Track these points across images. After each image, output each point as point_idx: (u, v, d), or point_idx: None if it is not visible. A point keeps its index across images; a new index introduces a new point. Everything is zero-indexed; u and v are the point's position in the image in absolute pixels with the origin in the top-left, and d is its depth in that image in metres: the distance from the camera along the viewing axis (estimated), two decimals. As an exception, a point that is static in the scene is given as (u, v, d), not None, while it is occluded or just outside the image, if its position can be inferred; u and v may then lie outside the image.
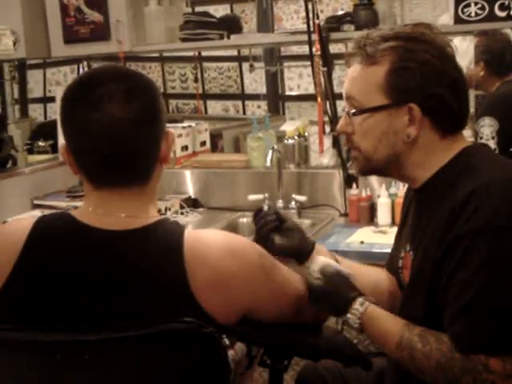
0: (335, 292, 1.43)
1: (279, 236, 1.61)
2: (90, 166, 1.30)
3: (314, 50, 2.73)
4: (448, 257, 1.31)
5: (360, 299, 1.41)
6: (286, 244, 1.61)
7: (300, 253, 1.62)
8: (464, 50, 3.63)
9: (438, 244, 1.33)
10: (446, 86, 1.39)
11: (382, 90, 1.40)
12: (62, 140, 1.32)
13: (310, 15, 2.72)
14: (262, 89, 5.25)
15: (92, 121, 1.25)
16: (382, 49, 1.40)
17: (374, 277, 1.67)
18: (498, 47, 3.21)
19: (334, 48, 3.14)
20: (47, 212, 1.47)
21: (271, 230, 1.60)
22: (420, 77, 1.38)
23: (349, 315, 1.40)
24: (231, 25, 3.22)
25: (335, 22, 2.83)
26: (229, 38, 3.13)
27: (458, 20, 2.53)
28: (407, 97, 1.39)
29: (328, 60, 2.73)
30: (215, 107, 5.97)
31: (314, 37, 2.72)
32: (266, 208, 1.62)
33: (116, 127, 1.25)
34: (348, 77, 1.47)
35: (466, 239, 1.28)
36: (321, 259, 1.52)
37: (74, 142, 1.30)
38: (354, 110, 1.44)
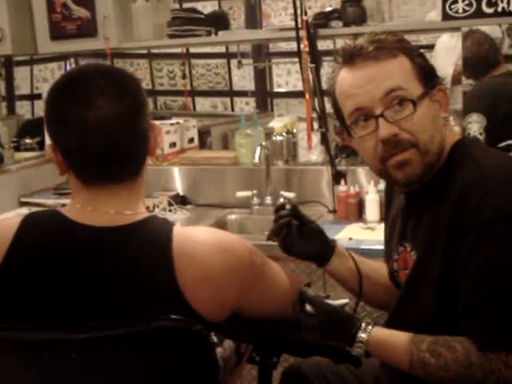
0: (338, 328, 1.38)
1: (299, 240, 1.58)
2: (82, 164, 1.29)
3: (301, 46, 2.73)
4: (459, 248, 1.28)
5: (363, 326, 1.36)
6: (306, 250, 1.60)
7: (320, 258, 1.62)
8: (452, 47, 3.64)
9: (447, 236, 1.30)
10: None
11: (417, 77, 1.38)
12: (48, 138, 1.32)
13: (298, 12, 2.71)
14: (251, 85, 5.25)
15: (85, 119, 1.24)
16: (391, 43, 1.39)
17: (377, 272, 1.66)
18: (469, 52, 3.20)
19: (322, 45, 3.14)
20: (34, 209, 1.46)
21: (291, 233, 1.57)
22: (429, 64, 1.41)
23: (356, 347, 1.36)
24: (219, 21, 3.21)
25: (323, 19, 2.82)
26: (216, 34, 3.12)
27: (445, 16, 2.53)
28: (435, 80, 1.40)
29: (316, 56, 2.72)
30: (203, 104, 5.96)
31: (302, 33, 2.72)
32: (287, 206, 1.56)
33: (109, 124, 1.25)
34: (375, 74, 1.36)
35: (476, 229, 1.26)
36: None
37: (65, 142, 1.28)
38: (412, 98, 1.35)
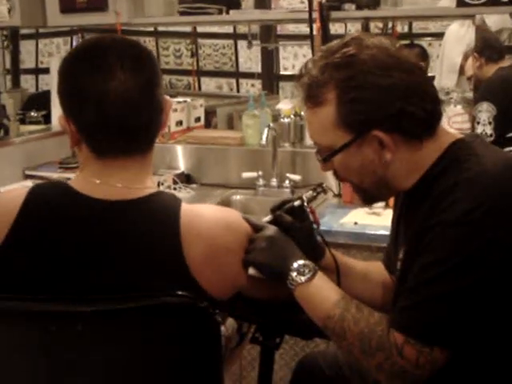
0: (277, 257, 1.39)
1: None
2: (98, 135, 1.28)
3: (314, 28, 2.71)
4: (421, 245, 1.29)
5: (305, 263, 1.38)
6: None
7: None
8: (462, 35, 3.63)
9: (418, 236, 1.31)
10: (400, 98, 1.30)
11: (341, 127, 1.33)
12: (56, 112, 1.30)
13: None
14: (257, 67, 5.23)
15: (105, 90, 1.23)
16: (321, 86, 1.32)
17: (364, 270, 1.63)
18: (485, 35, 3.22)
19: (330, 29, 3.12)
20: (39, 182, 1.45)
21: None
22: (369, 103, 1.29)
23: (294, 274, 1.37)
24: (230, 0, 3.18)
25: (336, 1, 2.79)
26: (227, 13, 3.09)
27: (460, 3, 2.51)
28: (367, 126, 1.31)
29: (328, 39, 2.70)
30: (209, 84, 5.95)
31: (315, 15, 2.70)
32: (296, 203, 1.52)
33: (129, 95, 1.25)
34: (306, 123, 1.43)
35: (438, 227, 1.25)
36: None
37: (82, 113, 1.27)
38: (324, 156, 1.38)
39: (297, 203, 1.51)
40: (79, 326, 1.21)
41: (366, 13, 2.75)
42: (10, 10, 3.14)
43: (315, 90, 1.34)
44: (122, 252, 1.24)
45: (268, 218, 1.49)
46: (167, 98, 1.37)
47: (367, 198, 1.47)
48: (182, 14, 3.08)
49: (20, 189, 1.34)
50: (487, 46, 3.18)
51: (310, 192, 1.56)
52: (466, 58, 3.44)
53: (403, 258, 1.40)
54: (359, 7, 2.75)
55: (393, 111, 1.30)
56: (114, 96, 1.23)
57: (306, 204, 1.52)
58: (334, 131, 1.34)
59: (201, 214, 1.31)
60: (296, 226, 1.47)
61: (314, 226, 1.53)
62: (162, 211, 1.28)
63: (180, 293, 1.22)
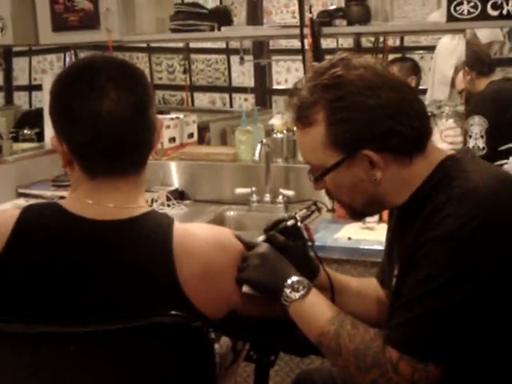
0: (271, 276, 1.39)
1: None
2: (91, 156, 1.27)
3: (305, 44, 2.72)
4: (412, 262, 1.30)
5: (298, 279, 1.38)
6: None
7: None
8: (453, 48, 3.65)
9: (411, 255, 1.31)
10: (389, 117, 1.30)
11: (331, 147, 1.33)
12: (49, 130, 1.30)
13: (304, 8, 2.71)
14: (250, 82, 5.24)
15: (98, 110, 1.23)
16: (310, 107, 1.33)
17: (358, 287, 1.62)
18: (475, 49, 3.24)
19: (322, 44, 3.13)
20: (32, 201, 1.45)
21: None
22: (358, 123, 1.30)
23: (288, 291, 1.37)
24: (222, 17, 3.20)
25: (327, 17, 2.81)
26: (219, 29, 3.10)
27: (450, 18, 2.53)
28: (356, 146, 1.32)
29: (319, 54, 2.72)
30: (202, 99, 5.95)
31: (306, 31, 2.71)
32: (289, 222, 1.51)
33: (122, 115, 1.24)
34: (298, 143, 1.46)
35: (430, 243, 1.26)
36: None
37: (74, 133, 1.26)
38: (315, 176, 1.40)
39: (290, 223, 1.50)
40: (72, 347, 1.20)
41: (356, 28, 2.76)
42: (2, 29, 3.15)
43: (305, 110, 1.35)
44: (115, 272, 1.24)
45: (261, 238, 1.49)
46: (159, 117, 1.37)
47: (357, 214, 1.49)
48: (174, 31, 3.09)
49: (12, 209, 1.34)
50: (477, 60, 3.20)
51: (304, 211, 1.56)
52: (456, 71, 3.46)
53: (398, 275, 1.40)
54: (350, 23, 2.76)
55: (382, 130, 1.31)
56: (107, 116, 1.23)
57: (299, 223, 1.52)
58: (324, 151, 1.35)
59: (193, 233, 1.31)
60: (290, 246, 1.47)
61: (309, 243, 1.53)
62: (155, 231, 1.28)
63: (173, 312, 1.22)
